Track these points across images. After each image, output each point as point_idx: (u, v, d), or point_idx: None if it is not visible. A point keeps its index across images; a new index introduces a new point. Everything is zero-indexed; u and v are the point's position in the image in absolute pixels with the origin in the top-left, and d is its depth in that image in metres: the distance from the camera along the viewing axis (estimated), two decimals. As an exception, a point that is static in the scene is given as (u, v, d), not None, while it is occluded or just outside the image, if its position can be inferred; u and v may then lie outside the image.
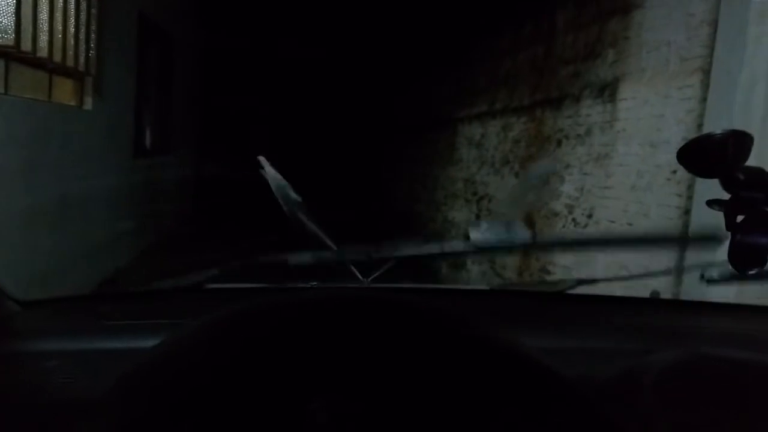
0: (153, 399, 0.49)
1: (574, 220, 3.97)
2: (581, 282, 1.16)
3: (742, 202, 0.67)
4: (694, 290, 2.45)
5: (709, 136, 0.68)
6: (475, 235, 1.03)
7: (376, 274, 0.97)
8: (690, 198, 2.86)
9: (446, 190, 6.58)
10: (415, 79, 8.20)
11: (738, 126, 0.66)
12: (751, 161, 0.70)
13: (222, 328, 0.58)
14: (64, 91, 3.79)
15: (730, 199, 0.68)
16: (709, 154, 0.67)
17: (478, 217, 5.63)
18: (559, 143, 4.26)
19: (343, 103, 11.21)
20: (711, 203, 0.70)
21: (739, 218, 0.68)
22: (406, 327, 0.55)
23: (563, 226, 4.10)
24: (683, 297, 2.52)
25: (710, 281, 0.98)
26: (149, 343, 0.59)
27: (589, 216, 3.80)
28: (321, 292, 1.00)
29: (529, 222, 4.62)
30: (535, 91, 4.72)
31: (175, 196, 6.81)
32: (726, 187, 0.68)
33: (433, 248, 1.11)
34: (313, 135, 11.22)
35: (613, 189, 3.57)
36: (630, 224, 3.37)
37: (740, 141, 0.67)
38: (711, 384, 0.71)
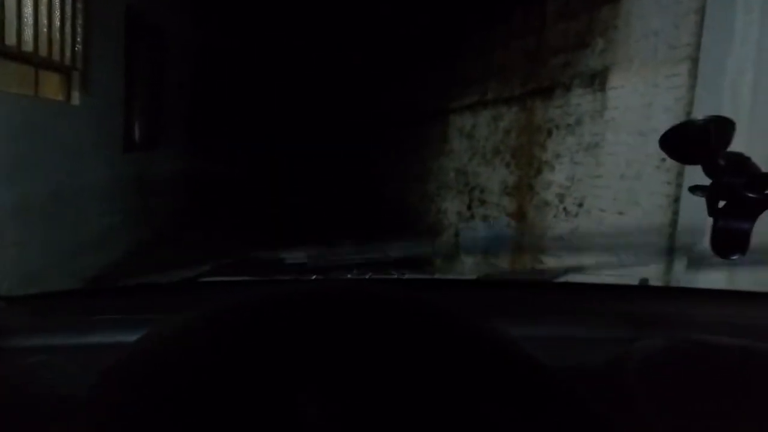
0: (140, 393, 0.49)
1: (565, 209, 3.99)
2: (570, 270, 1.17)
3: (724, 187, 0.67)
4: (683, 277, 2.47)
5: (691, 123, 0.68)
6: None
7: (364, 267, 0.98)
8: (679, 186, 2.88)
9: (438, 180, 6.58)
10: (406, 70, 8.18)
11: (726, 114, 0.66)
12: (740, 149, 0.70)
13: (210, 321, 0.57)
14: (51, 86, 3.75)
15: (711, 184, 0.68)
16: (691, 140, 0.67)
17: (469, 207, 5.64)
18: (549, 133, 4.27)
19: (335, 95, 11.17)
20: (693, 189, 0.71)
21: (721, 203, 0.69)
22: (395, 320, 0.55)
23: (554, 216, 4.11)
24: (672, 284, 2.54)
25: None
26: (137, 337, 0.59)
27: (580, 205, 3.81)
28: (309, 284, 1.00)
29: (521, 212, 4.63)
30: (525, 81, 4.72)
31: (165, 191, 6.77)
32: (708, 172, 0.68)
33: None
34: (306, 129, 11.18)
35: (603, 178, 3.58)
36: (621, 213, 3.39)
37: (722, 127, 0.67)
38: (700, 371, 0.71)
